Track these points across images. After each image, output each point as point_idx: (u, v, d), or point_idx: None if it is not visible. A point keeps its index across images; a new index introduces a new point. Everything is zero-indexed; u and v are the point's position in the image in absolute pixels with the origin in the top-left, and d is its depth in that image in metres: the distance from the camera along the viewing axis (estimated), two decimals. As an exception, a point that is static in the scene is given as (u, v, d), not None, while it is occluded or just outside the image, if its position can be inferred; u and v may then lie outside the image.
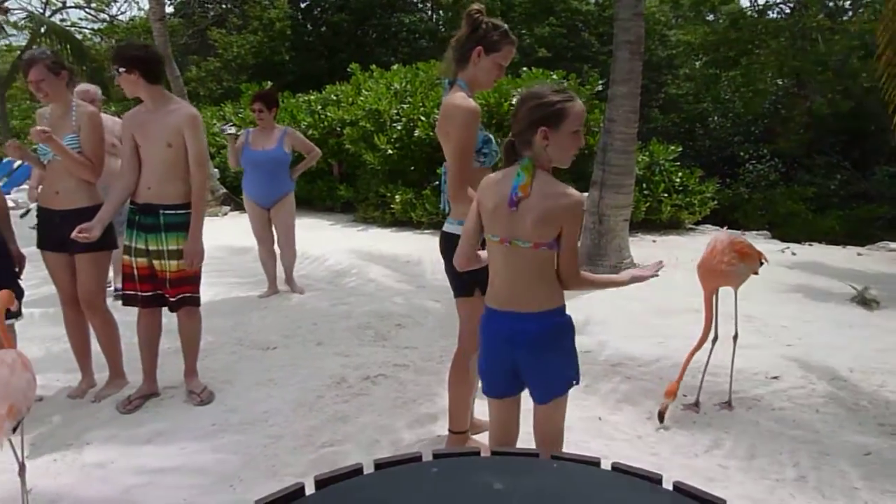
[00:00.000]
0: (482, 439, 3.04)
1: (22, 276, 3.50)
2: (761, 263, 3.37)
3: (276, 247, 5.53)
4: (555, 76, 8.35)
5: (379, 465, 1.01)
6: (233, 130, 5.40)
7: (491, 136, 2.72)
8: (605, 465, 1.06)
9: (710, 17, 19.20)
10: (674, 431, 3.20)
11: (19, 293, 3.44)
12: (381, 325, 4.77)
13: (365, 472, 1.01)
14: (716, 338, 3.34)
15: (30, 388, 2.47)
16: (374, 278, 6.17)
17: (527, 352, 2.09)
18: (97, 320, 3.63)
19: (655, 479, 1.01)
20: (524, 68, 8.94)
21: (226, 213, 10.03)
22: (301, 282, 5.68)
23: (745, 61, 17.00)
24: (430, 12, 19.43)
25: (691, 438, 3.13)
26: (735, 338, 3.41)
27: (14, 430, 2.39)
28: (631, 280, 2.26)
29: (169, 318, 3.64)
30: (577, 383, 2.17)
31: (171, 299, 3.45)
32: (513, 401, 2.24)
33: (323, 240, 7.76)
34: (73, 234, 3.16)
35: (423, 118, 8.44)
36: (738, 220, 13.07)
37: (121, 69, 3.26)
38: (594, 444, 3.08)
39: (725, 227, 3.52)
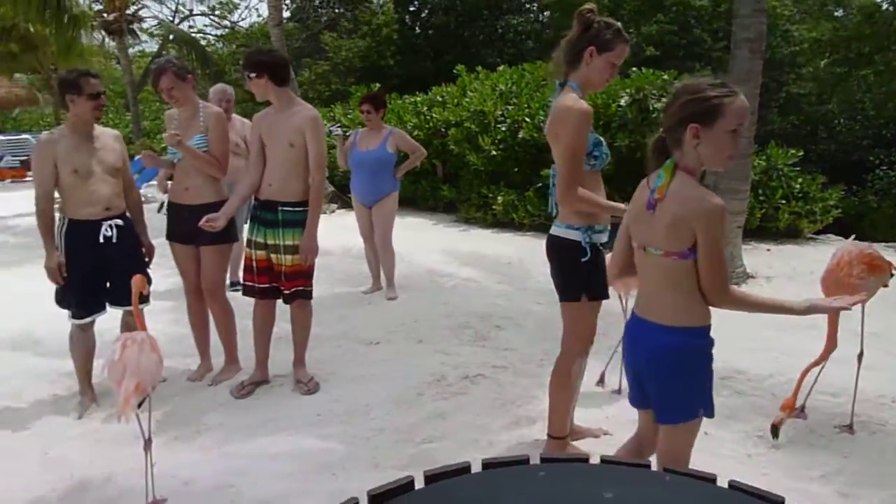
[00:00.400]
0: (582, 446, 3.00)
1: (151, 266, 3.78)
2: (892, 275, 3.12)
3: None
4: (665, 76, 8.07)
5: (486, 465, 1.02)
6: (340, 131, 5.61)
7: (601, 139, 2.67)
8: (721, 482, 1.02)
9: (840, 13, 17.95)
10: (786, 452, 3.02)
11: (147, 281, 3.72)
12: (480, 325, 4.79)
13: (472, 471, 1.02)
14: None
15: (157, 368, 2.67)
16: (475, 278, 6.21)
17: (647, 364, 2.01)
18: (217, 308, 3.87)
19: (777, 502, 0.96)
20: (633, 68, 8.71)
21: (333, 211, 10.38)
22: (401, 280, 5.78)
23: (879, 59, 15.73)
24: (537, 13, 19.30)
25: (806, 461, 2.94)
26: (860, 357, 3.18)
27: (139, 405, 2.58)
28: (809, 310, 1.98)
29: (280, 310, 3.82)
30: (707, 415, 1.99)
31: (286, 291, 3.62)
32: (648, 413, 2.12)
33: (424, 239, 7.88)
34: (201, 223, 3.39)
35: (527, 119, 8.40)
36: (865, 229, 12.11)
37: (251, 74, 3.44)
38: (699, 459, 2.92)
39: (852, 237, 3.28)
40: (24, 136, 21.37)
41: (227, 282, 5.40)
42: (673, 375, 1.96)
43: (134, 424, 2.61)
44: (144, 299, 3.67)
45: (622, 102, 7.63)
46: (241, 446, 3.13)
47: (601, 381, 3.70)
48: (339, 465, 2.93)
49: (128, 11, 16.33)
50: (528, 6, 19.02)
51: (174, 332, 4.51)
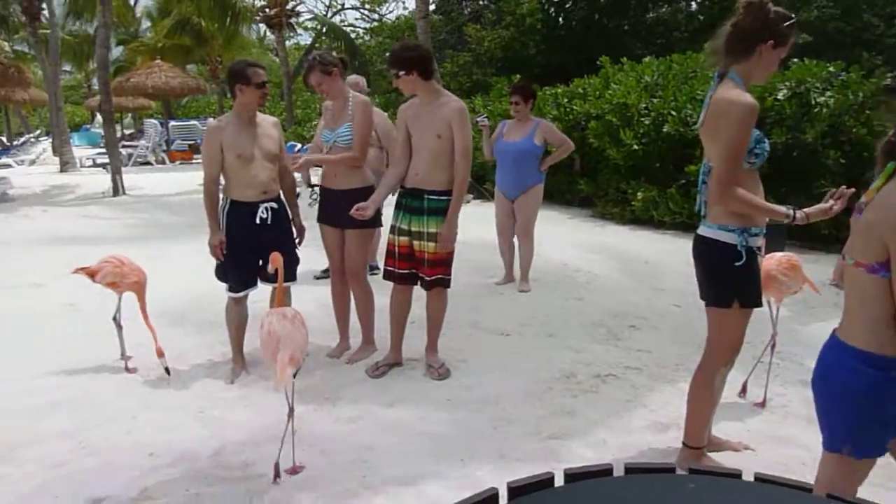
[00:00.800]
0: (719, 459, 2.84)
1: (300, 246, 4.01)
2: None
3: (514, 239, 5.64)
4: (831, 68, 7.39)
5: (630, 470, 0.99)
6: (487, 122, 5.61)
7: (763, 136, 2.49)
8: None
9: None
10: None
11: (296, 260, 3.96)
12: (614, 324, 4.67)
13: (614, 474, 0.99)
14: None
15: (305, 342, 2.84)
16: (610, 276, 6.04)
17: (816, 382, 1.85)
18: (358, 290, 4.04)
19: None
20: (794, 59, 8.04)
21: (468, 201, 10.49)
22: (534, 274, 5.73)
23: None
24: (687, 2, 18.35)
25: None
26: None
27: (294, 376, 2.75)
28: None
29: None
30: (850, 453, 1.78)
31: (427, 279, 3.71)
32: None
33: (559, 233, 7.77)
34: (351, 212, 3.55)
35: (673, 113, 8.02)
36: None
37: (400, 72, 3.52)
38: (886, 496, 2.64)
39: None
40: (192, 121, 23.41)
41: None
42: (836, 401, 1.79)
43: (280, 394, 2.79)
44: (292, 277, 3.92)
45: (780, 96, 7.09)
46: (373, 423, 3.26)
47: (743, 392, 3.48)
48: (466, 451, 2.97)
49: (287, 6, 17.36)
50: (678, -7, 18.12)
51: (317, 310, 4.77)
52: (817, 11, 14.80)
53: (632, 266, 6.39)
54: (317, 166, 4.53)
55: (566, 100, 10.03)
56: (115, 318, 3.91)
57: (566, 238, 7.52)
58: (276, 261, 3.13)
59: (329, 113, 3.94)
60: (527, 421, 3.25)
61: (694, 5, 17.87)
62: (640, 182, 8.46)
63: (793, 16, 2.39)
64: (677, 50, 10.34)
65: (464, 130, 3.53)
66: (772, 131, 6.83)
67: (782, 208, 2.43)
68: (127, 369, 3.89)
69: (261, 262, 3.80)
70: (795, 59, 7.65)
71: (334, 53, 4.01)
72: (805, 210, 2.44)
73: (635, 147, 8.34)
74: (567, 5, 17.30)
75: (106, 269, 3.80)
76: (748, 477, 1.00)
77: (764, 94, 7.23)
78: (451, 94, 3.67)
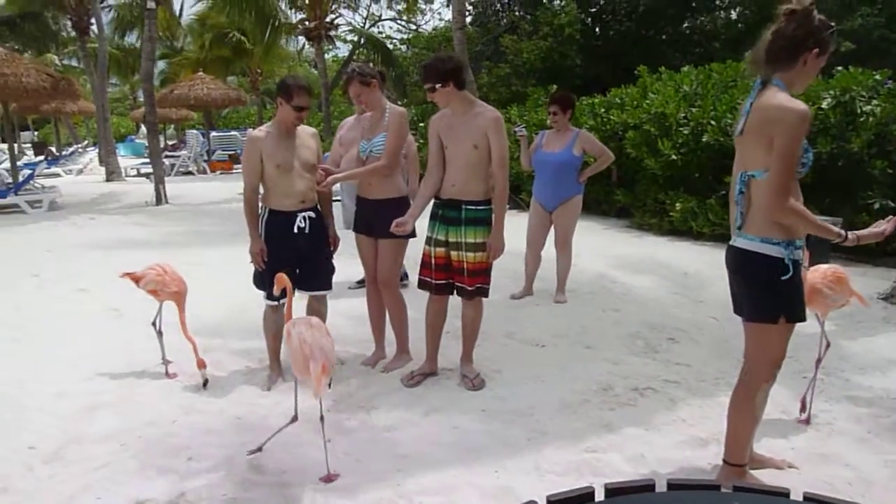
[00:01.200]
0: (761, 476, 2.77)
1: (335, 255, 4.05)
2: None
3: (542, 252, 5.57)
4: (878, 76, 7.19)
5: (673, 486, 0.97)
6: (525, 132, 5.58)
7: (808, 144, 2.43)
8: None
9: None
10: None
11: (332, 269, 4.00)
12: (652, 336, 4.60)
13: (656, 490, 0.97)
14: None
15: (332, 349, 2.86)
16: (648, 287, 5.96)
17: None
18: (390, 299, 4.05)
19: None
20: (838, 67, 7.85)
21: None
22: (570, 284, 5.67)
23: None
24: (727, 10, 18.08)
25: None
26: None
27: (329, 386, 2.78)
28: None
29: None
30: None
31: (469, 288, 3.70)
32: None
33: (596, 244, 7.70)
34: (392, 228, 3.55)
35: (713, 122, 7.90)
36: None
37: (437, 85, 3.52)
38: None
39: None
40: (232, 132, 23.89)
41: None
42: None
43: (316, 401, 2.81)
44: (328, 286, 3.96)
45: (824, 105, 6.92)
46: (408, 432, 3.25)
47: (804, 410, 3.35)
48: (500, 463, 2.95)
49: (326, 19, 17.62)
50: (717, 2, 17.88)
51: (353, 318, 4.80)
52: (861, 20, 14.45)
53: (670, 277, 6.29)
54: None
55: (603, 110, 9.96)
56: (153, 324, 4.00)
57: (603, 249, 7.44)
58: (281, 281, 3.16)
59: (366, 124, 3.98)
60: (562, 434, 3.21)
61: (733, 14, 17.62)
62: (679, 192, 8.33)
63: (832, 24, 2.34)
64: (716, 59, 10.19)
65: (500, 140, 3.52)
66: (816, 140, 6.67)
67: (835, 227, 2.37)
68: (167, 374, 3.96)
69: (298, 271, 3.84)
70: (839, 67, 7.47)
71: (371, 65, 4.05)
72: (857, 232, 2.38)
73: (673, 157, 8.23)
74: (605, 16, 17.21)
75: (149, 275, 3.89)
76: (796, 496, 0.97)
77: (808, 102, 7.06)
78: (484, 104, 3.67)
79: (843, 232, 2.36)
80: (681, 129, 8.27)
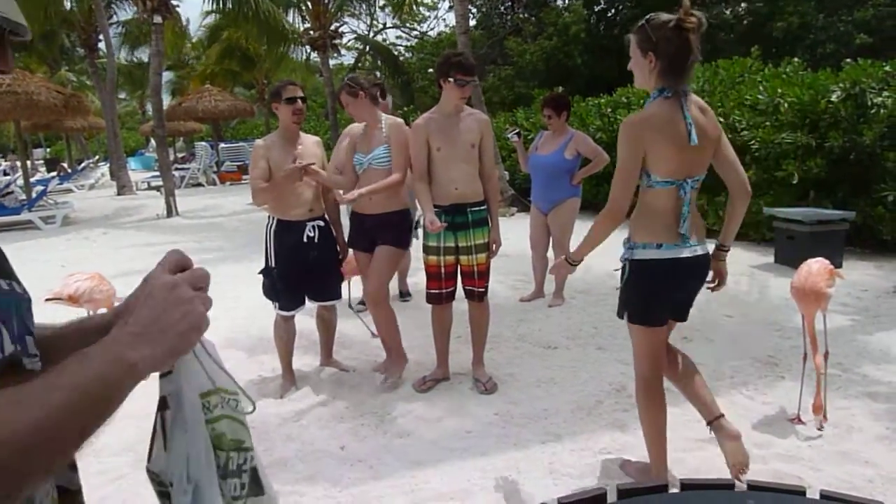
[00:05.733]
0: (781, 475, 2.73)
1: (344, 265, 4.04)
2: None
3: (549, 253, 5.54)
4: (887, 67, 7.09)
5: (686, 486, 0.95)
6: (516, 137, 5.56)
7: None
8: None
9: None
10: None
11: (339, 279, 3.99)
12: (665, 336, 4.55)
13: (669, 490, 0.96)
14: None
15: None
16: (659, 287, 5.90)
17: None
18: (381, 314, 3.86)
19: None
20: (847, 60, 7.77)
21: (512, 214, 10.46)
22: (581, 286, 5.65)
23: None
24: (734, 3, 18.00)
25: None
26: None
27: None
28: None
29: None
30: None
31: (479, 290, 3.70)
32: None
33: (605, 245, 7.61)
34: (429, 228, 3.47)
35: (720, 119, 7.84)
36: None
37: (475, 79, 3.59)
38: None
39: None
40: (241, 143, 23.99)
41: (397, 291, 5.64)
42: None
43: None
44: (337, 295, 3.96)
45: (833, 98, 6.85)
46: (420, 438, 3.24)
47: (824, 416, 3.29)
48: (515, 466, 2.93)
49: (330, 28, 17.70)
50: (721, -4, 17.80)
51: (361, 326, 4.79)
52: (873, 10, 14.33)
53: (682, 276, 6.23)
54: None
55: (609, 109, 9.92)
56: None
57: (612, 250, 7.37)
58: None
59: (362, 135, 3.86)
60: (577, 436, 3.19)
61: (740, 9, 17.52)
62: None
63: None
64: (723, 55, 10.14)
65: (492, 138, 3.68)
66: (828, 134, 6.61)
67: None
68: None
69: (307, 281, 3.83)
70: (849, 60, 7.40)
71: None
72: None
73: (682, 155, 8.18)
74: (609, 13, 17.18)
75: (81, 287, 3.87)
76: (813, 494, 0.95)
77: (817, 96, 7.02)
78: (466, 106, 3.66)
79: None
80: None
